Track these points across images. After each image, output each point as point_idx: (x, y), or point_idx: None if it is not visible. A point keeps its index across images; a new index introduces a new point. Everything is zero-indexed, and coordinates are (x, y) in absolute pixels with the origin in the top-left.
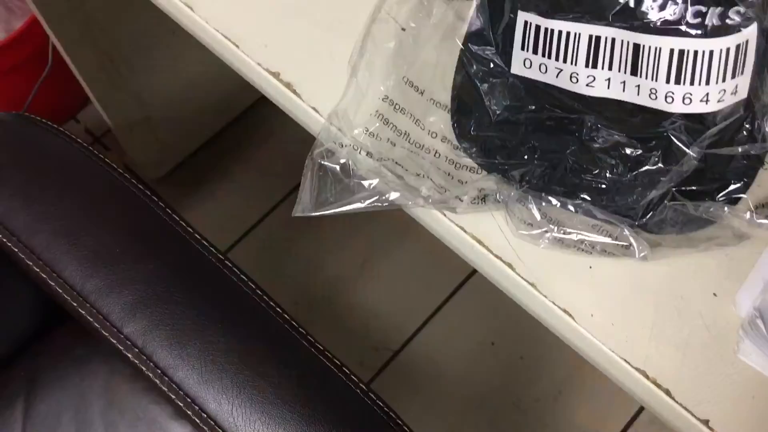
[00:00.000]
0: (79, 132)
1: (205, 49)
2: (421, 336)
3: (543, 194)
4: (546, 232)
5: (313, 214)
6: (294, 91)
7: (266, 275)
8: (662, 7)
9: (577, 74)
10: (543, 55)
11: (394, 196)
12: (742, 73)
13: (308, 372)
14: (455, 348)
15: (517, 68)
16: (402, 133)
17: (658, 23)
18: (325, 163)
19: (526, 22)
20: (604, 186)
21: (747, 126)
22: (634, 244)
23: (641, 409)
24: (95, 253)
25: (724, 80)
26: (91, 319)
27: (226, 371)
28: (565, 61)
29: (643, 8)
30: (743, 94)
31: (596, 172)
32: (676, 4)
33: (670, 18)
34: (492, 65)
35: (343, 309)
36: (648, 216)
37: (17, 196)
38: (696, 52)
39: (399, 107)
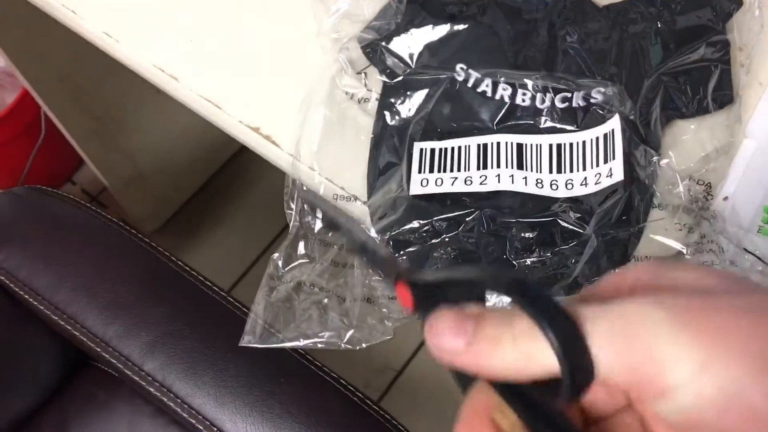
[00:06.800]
0: (75, 193)
1: None
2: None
3: None
4: None
5: (262, 346)
6: (274, 142)
7: None
8: (533, 99)
9: (471, 177)
10: (438, 171)
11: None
12: (613, 158)
13: (312, 386)
14: None
15: (415, 189)
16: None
17: (540, 124)
18: None
19: (421, 150)
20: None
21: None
22: None
23: None
24: (112, 302)
25: (598, 165)
26: (115, 361)
27: (238, 393)
28: (459, 170)
29: (517, 101)
30: (619, 176)
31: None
32: (545, 94)
33: (540, 107)
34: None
35: None
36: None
37: (39, 259)
38: (571, 144)
39: None
